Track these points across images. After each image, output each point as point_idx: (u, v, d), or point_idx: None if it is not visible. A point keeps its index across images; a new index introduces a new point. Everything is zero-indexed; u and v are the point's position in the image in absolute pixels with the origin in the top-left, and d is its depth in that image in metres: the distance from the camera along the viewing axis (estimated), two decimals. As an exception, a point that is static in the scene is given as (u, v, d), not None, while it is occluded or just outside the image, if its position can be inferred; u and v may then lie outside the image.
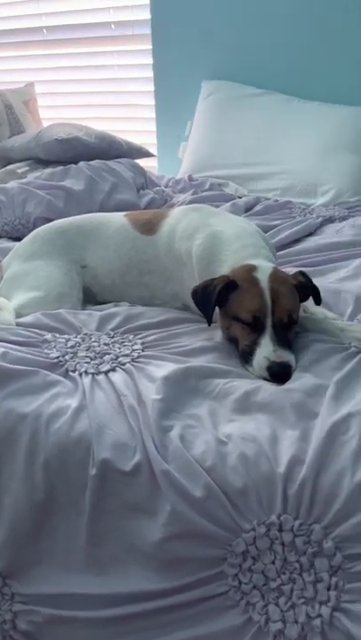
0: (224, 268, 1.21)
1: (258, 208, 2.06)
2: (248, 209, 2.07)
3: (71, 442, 0.93)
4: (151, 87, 2.72)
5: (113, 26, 2.74)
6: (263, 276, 1.13)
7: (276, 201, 2.13)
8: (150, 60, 2.67)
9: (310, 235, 1.81)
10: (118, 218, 1.48)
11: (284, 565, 0.81)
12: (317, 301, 1.20)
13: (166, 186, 2.37)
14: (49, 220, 1.62)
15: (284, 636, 0.80)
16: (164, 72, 2.67)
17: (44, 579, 0.95)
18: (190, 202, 2.06)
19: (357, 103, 2.24)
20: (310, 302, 1.21)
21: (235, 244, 1.26)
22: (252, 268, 1.16)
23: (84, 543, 0.92)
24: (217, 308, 1.17)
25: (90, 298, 1.42)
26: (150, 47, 2.65)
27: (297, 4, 2.30)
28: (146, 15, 2.61)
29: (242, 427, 0.91)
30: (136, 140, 2.51)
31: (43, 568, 0.95)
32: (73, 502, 0.92)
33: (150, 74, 2.70)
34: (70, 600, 0.91)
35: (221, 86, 2.50)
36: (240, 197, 2.17)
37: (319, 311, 1.25)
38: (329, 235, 1.78)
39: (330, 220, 1.90)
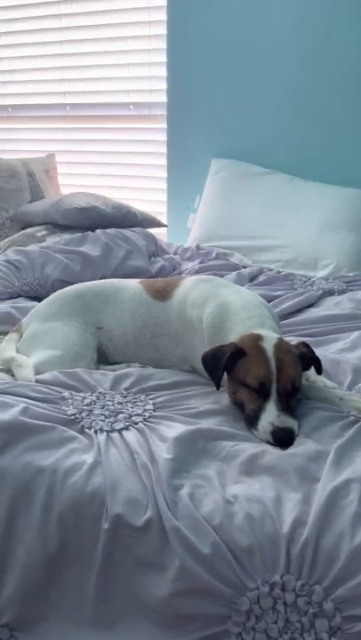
0: (232, 336, 1.29)
1: (261, 278, 2.17)
2: (252, 279, 2.18)
3: (86, 496, 0.98)
4: (164, 161, 2.92)
5: (132, 107, 2.97)
6: (269, 346, 1.21)
7: (279, 272, 2.24)
8: (164, 137, 2.89)
9: (311, 306, 1.90)
10: (133, 284, 1.58)
11: (286, 625, 0.85)
12: (319, 371, 1.28)
13: (175, 253, 2.49)
14: (66, 283, 1.72)
15: None
16: (176, 149, 2.87)
17: (52, 633, 0.97)
18: (198, 270, 2.18)
19: (354, 185, 2.41)
20: (312, 371, 1.29)
21: (242, 314, 1.35)
22: (258, 337, 1.24)
23: (93, 597, 0.96)
24: (225, 374, 1.24)
25: (103, 358, 1.50)
26: (165, 126, 2.87)
27: (300, 93, 2.52)
28: (163, 98, 2.85)
29: (248, 488, 0.97)
30: (148, 208, 2.68)
31: (50, 622, 0.98)
32: (85, 555, 0.96)
33: (164, 149, 2.91)
34: (76, 655, 0.94)
35: (230, 164, 2.69)
36: (245, 267, 2.29)
37: (320, 380, 1.32)
38: (329, 307, 1.87)
39: (330, 293, 2.00)
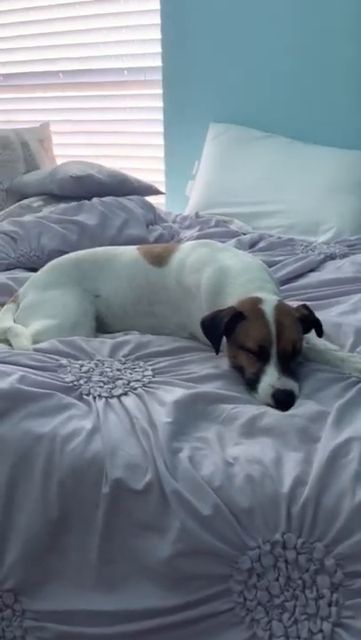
0: (231, 300, 1.27)
1: (262, 244, 2.14)
2: (252, 245, 2.14)
3: (85, 462, 0.97)
4: (161, 128, 2.86)
5: (126, 72, 2.89)
6: (269, 309, 1.19)
7: (280, 238, 2.21)
8: (160, 104, 2.82)
9: (312, 270, 1.88)
10: (131, 251, 1.56)
11: (288, 582, 0.85)
12: (319, 333, 1.26)
13: (174, 222, 2.46)
14: (63, 253, 1.69)
15: (288, 651, 0.83)
16: (173, 115, 2.80)
17: (55, 596, 0.98)
18: (197, 238, 2.14)
19: (355, 147, 2.35)
20: (313, 334, 1.27)
21: (241, 277, 1.33)
22: (258, 301, 1.22)
23: (96, 561, 0.96)
24: (224, 338, 1.23)
25: (102, 326, 1.49)
26: (161, 92, 2.80)
27: (298, 55, 2.45)
28: (157, 62, 2.77)
29: (248, 449, 0.96)
30: (146, 177, 2.63)
31: (54, 585, 0.99)
32: (86, 521, 0.96)
33: (160, 116, 2.84)
34: (80, 617, 0.94)
35: (228, 129, 2.63)
36: (245, 234, 2.26)
37: (321, 343, 1.30)
38: (330, 271, 1.85)
39: (331, 257, 1.97)
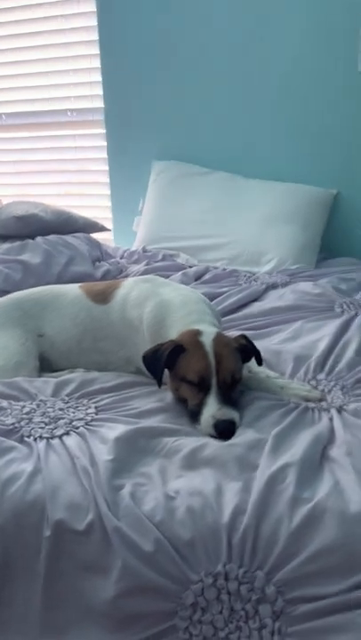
0: (172, 333, 1.30)
1: (207, 276, 2.19)
2: (198, 277, 2.19)
3: (26, 505, 0.96)
4: (106, 167, 2.91)
5: (69, 113, 2.95)
6: (207, 340, 1.22)
7: (224, 269, 2.26)
8: (104, 143, 2.88)
9: (255, 300, 1.92)
10: (73, 289, 1.57)
11: (231, 614, 0.85)
12: (259, 362, 1.30)
13: (121, 257, 2.48)
14: (6, 292, 1.69)
15: None
16: (117, 154, 2.86)
17: (0, 648, 0.95)
18: (144, 272, 2.18)
19: (293, 180, 2.46)
20: (253, 363, 1.31)
21: (181, 310, 1.36)
22: (197, 333, 1.25)
23: (40, 608, 0.94)
24: (167, 372, 1.24)
25: (46, 365, 1.48)
26: (104, 131, 2.87)
27: (235, 95, 2.57)
28: (100, 104, 2.84)
29: (189, 482, 0.97)
30: (94, 214, 2.66)
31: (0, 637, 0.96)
32: (28, 567, 0.94)
33: (105, 154, 2.90)
34: (26, 669, 0.92)
35: (170, 166, 2.70)
36: (191, 267, 2.30)
37: (262, 371, 1.34)
38: (272, 300, 1.90)
39: (273, 287, 2.03)
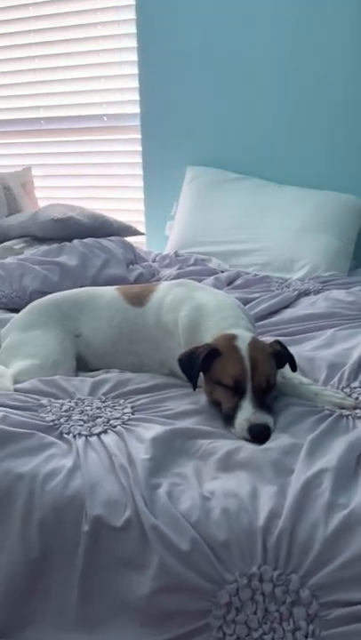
0: (207, 337, 1.32)
1: (238, 282, 2.20)
2: (230, 282, 2.21)
3: (65, 500, 0.99)
4: (140, 171, 2.95)
5: (105, 118, 3.01)
6: (243, 345, 1.24)
7: (256, 275, 2.27)
8: (139, 148, 2.93)
9: (287, 307, 1.93)
10: (110, 291, 1.60)
11: (266, 615, 0.86)
12: (293, 368, 1.30)
13: (154, 261, 2.52)
14: (44, 294, 1.73)
15: None
16: (151, 159, 2.91)
17: (37, 638, 0.98)
18: (176, 276, 2.21)
19: (327, 188, 2.46)
20: (287, 368, 1.32)
21: (217, 315, 1.38)
22: (232, 337, 1.26)
23: (77, 601, 0.96)
24: (201, 374, 1.26)
25: (82, 365, 1.51)
26: (139, 136, 2.91)
27: (271, 101, 2.58)
28: (136, 109, 2.89)
29: (224, 484, 0.99)
30: (127, 218, 2.70)
31: (36, 627, 0.99)
32: (66, 560, 0.97)
33: (139, 159, 2.94)
34: (60, 659, 0.94)
35: (204, 171, 2.72)
36: (222, 272, 2.32)
37: (295, 377, 1.35)
38: (304, 307, 1.91)
39: (305, 294, 2.03)
